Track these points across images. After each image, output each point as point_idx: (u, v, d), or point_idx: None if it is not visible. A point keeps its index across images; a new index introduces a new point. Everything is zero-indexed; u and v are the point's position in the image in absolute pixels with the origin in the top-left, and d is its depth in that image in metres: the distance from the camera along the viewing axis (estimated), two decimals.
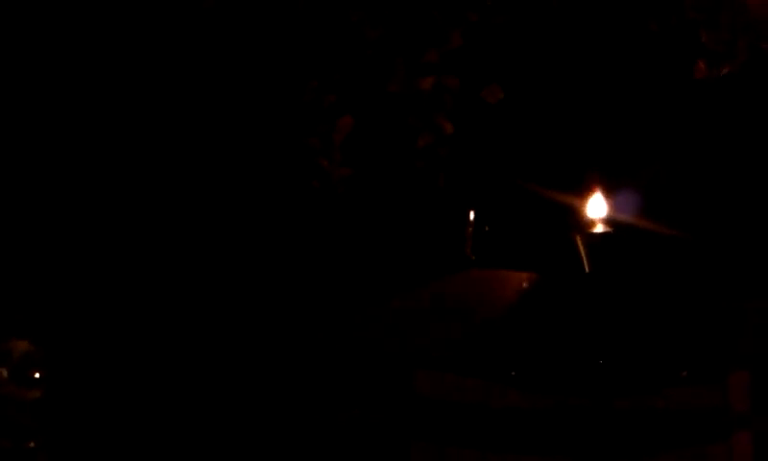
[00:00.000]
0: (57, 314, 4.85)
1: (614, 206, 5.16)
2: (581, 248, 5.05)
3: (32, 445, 4.45)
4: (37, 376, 4.51)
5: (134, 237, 4.98)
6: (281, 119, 4.76)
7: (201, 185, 5.05)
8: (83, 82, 4.97)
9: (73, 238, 4.93)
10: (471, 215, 5.37)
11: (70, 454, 4.68)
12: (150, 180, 4.98)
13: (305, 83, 4.54)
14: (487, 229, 5.36)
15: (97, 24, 4.88)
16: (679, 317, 5.16)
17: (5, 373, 4.48)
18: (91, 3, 4.84)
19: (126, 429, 4.80)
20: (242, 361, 5.02)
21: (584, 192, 5.20)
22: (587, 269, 5.07)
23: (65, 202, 4.96)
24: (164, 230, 5.01)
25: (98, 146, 4.95)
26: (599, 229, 5.10)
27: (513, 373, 5.07)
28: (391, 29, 4.46)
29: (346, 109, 4.58)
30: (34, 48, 4.87)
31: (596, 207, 5.14)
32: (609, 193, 5.18)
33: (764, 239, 5.23)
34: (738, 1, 4.27)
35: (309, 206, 5.01)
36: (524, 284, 5.28)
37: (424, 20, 4.45)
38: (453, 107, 4.62)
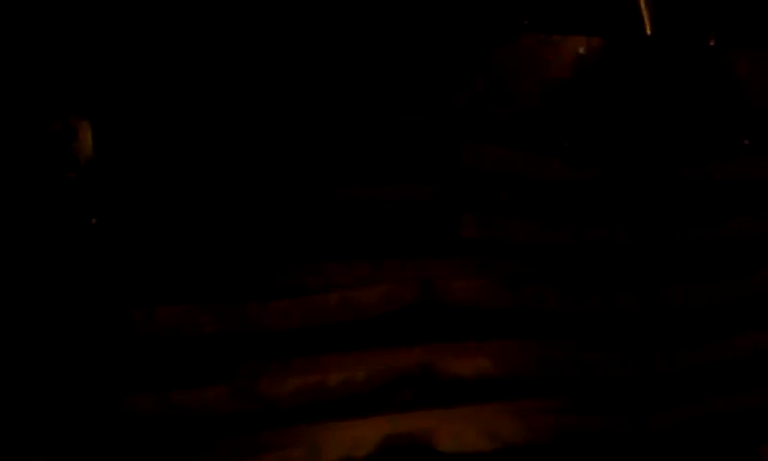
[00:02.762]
0: None
1: None
2: (643, 7, 4.80)
3: None
4: None
5: None
6: None
7: None
8: None
9: None
10: None
11: None
12: None
13: None
14: None
15: None
16: (743, 84, 4.96)
17: None
18: None
19: None
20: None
21: None
22: (648, 31, 4.82)
23: None
24: None
25: None
26: None
27: (565, 144, 4.90)
28: None
29: None
30: None
31: None
32: None
33: None
34: None
35: None
36: (580, 50, 5.06)
37: None
38: None
